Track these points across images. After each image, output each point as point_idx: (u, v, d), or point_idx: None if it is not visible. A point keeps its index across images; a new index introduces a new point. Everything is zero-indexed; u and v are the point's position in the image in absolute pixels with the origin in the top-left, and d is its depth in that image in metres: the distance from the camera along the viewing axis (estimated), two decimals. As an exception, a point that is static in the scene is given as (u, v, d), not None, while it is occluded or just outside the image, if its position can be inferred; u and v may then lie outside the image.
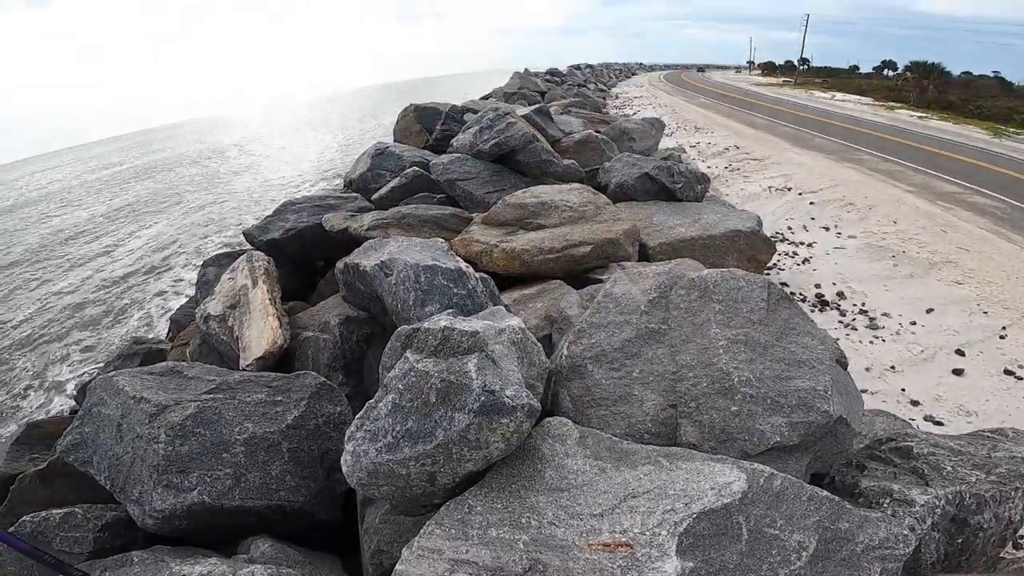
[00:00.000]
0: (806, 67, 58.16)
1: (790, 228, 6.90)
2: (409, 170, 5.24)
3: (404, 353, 1.86)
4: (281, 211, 4.95)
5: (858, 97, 30.85)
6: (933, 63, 31.18)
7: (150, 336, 7.38)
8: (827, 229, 6.81)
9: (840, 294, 5.37)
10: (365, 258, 3.21)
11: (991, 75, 43.16)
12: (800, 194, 8.08)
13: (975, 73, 44.30)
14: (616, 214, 4.14)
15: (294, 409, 2.57)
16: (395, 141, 7.38)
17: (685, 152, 10.66)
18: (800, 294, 5.32)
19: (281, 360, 3.58)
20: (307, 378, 2.82)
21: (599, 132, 8.27)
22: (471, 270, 2.76)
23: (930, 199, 7.97)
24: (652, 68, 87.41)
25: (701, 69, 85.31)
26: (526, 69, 20.07)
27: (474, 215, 4.38)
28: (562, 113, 10.28)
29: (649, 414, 2.21)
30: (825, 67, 62.64)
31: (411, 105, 7.45)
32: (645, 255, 4.48)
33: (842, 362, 2.28)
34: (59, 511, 2.27)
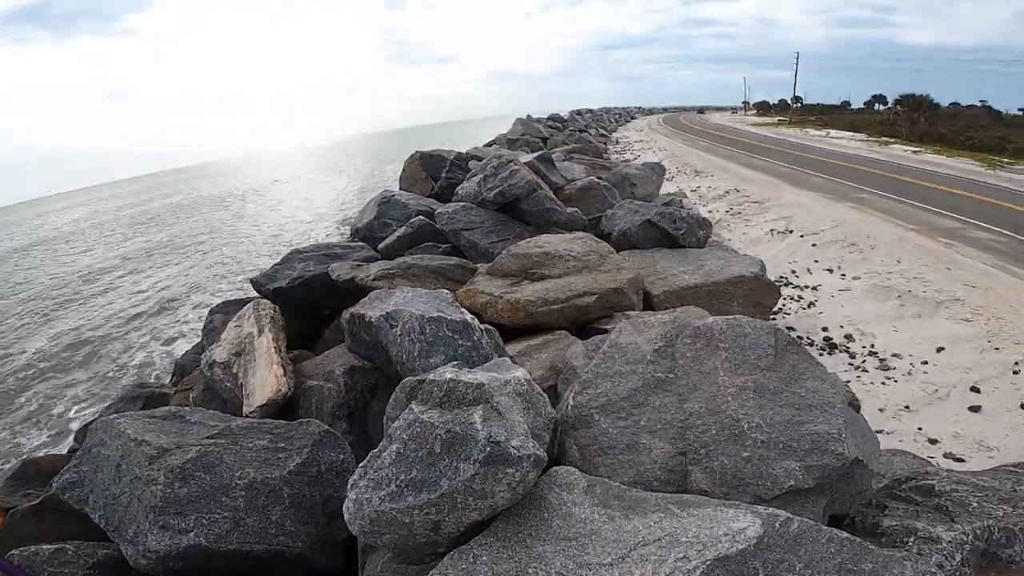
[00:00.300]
0: (799, 105, 59.70)
1: (794, 271, 6.93)
2: (415, 219, 5.36)
3: (409, 404, 1.86)
4: (288, 259, 5.05)
5: (852, 133, 31.49)
6: (922, 95, 31.75)
7: (153, 380, 7.38)
8: (831, 271, 6.83)
9: (848, 336, 5.33)
10: (371, 309, 3.25)
11: (979, 104, 43.95)
12: (802, 236, 8.15)
13: (963, 103, 45.12)
14: (619, 263, 4.20)
15: (296, 456, 2.58)
16: (401, 188, 7.59)
17: (686, 197, 10.85)
18: (808, 338, 5.29)
19: (285, 408, 3.59)
20: (310, 426, 2.84)
21: (601, 179, 8.47)
22: (476, 321, 2.78)
23: (932, 236, 8.02)
24: (651, 111, 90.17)
25: (701, 111, 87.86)
26: (528, 115, 20.77)
27: (479, 265, 4.45)
28: (564, 159, 10.56)
29: (658, 462, 2.18)
30: (818, 104, 64.21)
31: (416, 152, 7.69)
32: (650, 303, 4.50)
33: (854, 404, 2.25)
34: (49, 547, 2.25)
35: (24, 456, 5.87)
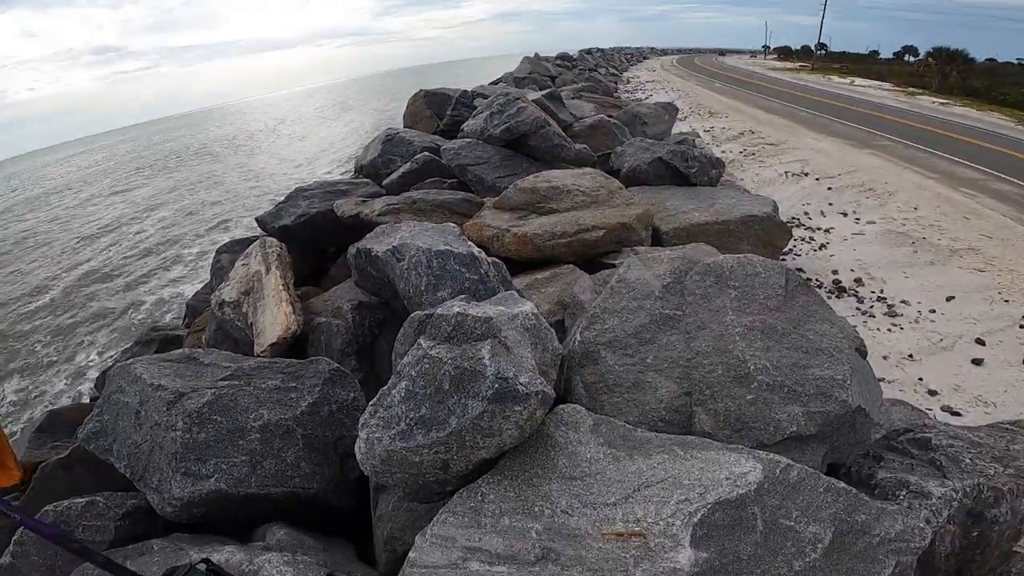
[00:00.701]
0: (824, 52, 56.60)
1: (807, 213, 6.77)
2: (420, 155, 5.20)
3: (417, 339, 1.84)
4: (293, 197, 4.95)
5: (878, 83, 30.00)
6: (956, 49, 30.22)
7: (165, 322, 7.49)
8: (845, 215, 6.66)
9: (858, 280, 5.27)
10: (377, 243, 3.19)
11: (1016, 62, 41.67)
12: (817, 179, 7.90)
13: (1000, 59, 42.80)
14: (629, 199, 4.08)
15: (308, 396, 2.58)
16: (405, 127, 7.32)
17: (699, 137, 10.46)
18: (817, 280, 5.23)
19: (295, 345, 3.60)
20: (320, 364, 2.84)
21: (611, 117, 8.15)
22: (483, 255, 2.73)
23: (953, 186, 7.76)
24: (665, 52, 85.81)
25: (722, 53, 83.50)
26: (536, 54, 19.78)
27: (486, 200, 4.34)
28: (573, 98, 10.14)
29: (663, 401, 2.19)
30: (843, 52, 60.89)
31: (420, 91, 7.37)
32: (659, 240, 4.42)
33: (861, 351, 2.23)
34: (81, 500, 2.31)
35: (48, 407, 6.05)
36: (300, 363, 2.85)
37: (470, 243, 2.89)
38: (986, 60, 39.51)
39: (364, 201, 4.36)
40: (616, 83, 23.84)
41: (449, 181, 4.89)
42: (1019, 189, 7.70)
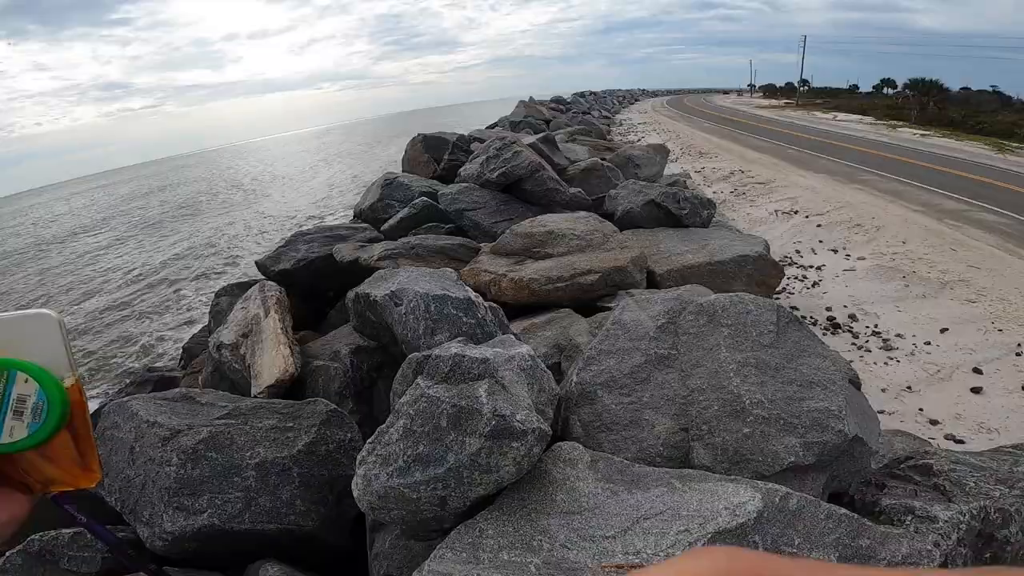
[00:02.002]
0: (806, 88, 58.82)
1: (798, 251, 6.91)
2: (418, 200, 5.35)
3: (415, 379, 1.88)
4: (292, 241, 5.06)
5: (860, 117, 31.04)
6: (932, 80, 31.46)
7: (161, 364, 7.47)
8: (835, 251, 6.80)
9: (852, 316, 5.33)
10: (376, 288, 3.26)
11: (989, 90, 43.26)
12: (807, 217, 8.10)
13: (973, 88, 44.44)
14: (623, 242, 4.19)
15: (305, 435, 2.63)
16: (404, 171, 7.55)
17: (690, 178, 10.76)
18: (811, 317, 5.30)
19: (292, 388, 3.63)
20: (318, 405, 2.88)
21: (604, 160, 8.42)
22: (480, 299, 2.80)
23: (938, 217, 7.95)
24: (655, 94, 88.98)
25: (727, 92, 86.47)
26: (531, 98, 20.53)
27: (482, 245, 4.45)
28: (568, 141, 10.48)
29: (660, 438, 2.22)
30: (825, 87, 63.28)
31: (419, 135, 7.64)
32: (654, 282, 4.51)
33: (855, 382, 2.27)
34: (68, 531, 2.29)
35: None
36: (298, 403, 2.90)
37: (467, 288, 2.96)
38: (961, 89, 40.98)
39: (363, 246, 4.47)
40: (609, 126, 24.63)
41: (447, 226, 5.01)
42: (1000, 218, 7.89)
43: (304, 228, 5.28)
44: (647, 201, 5.57)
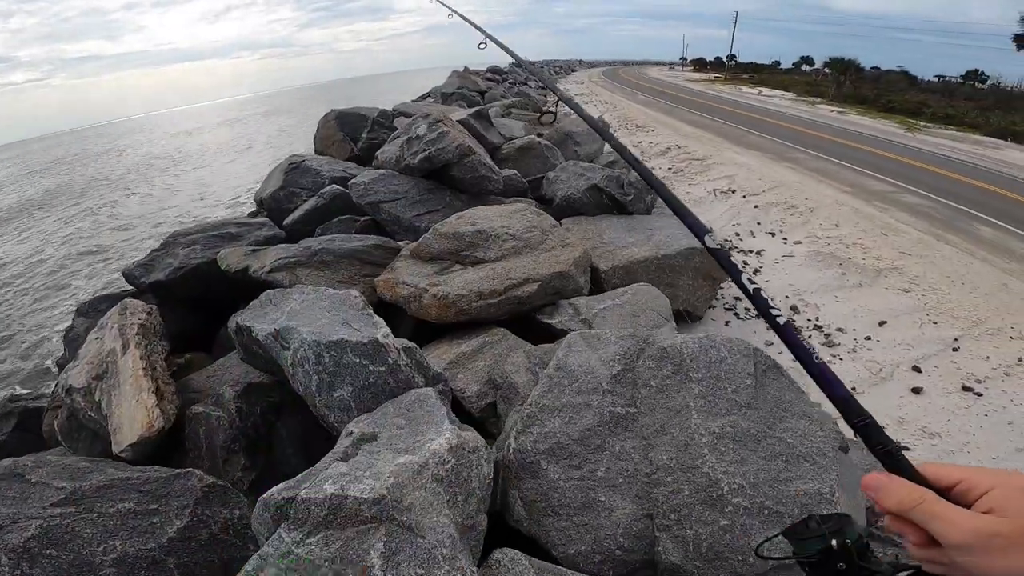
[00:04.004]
0: (734, 63, 60.63)
1: (738, 234, 6.73)
2: (327, 189, 4.54)
3: (277, 530, 1.27)
4: (170, 244, 4.14)
5: (782, 92, 32.26)
6: (849, 59, 33.13)
7: (27, 391, 6.24)
8: (773, 234, 6.68)
9: (794, 308, 5.18)
10: (259, 319, 2.56)
11: (897, 69, 46.44)
12: (744, 197, 7.97)
13: (883, 68, 47.53)
14: (564, 238, 3.67)
15: (176, 519, 2.04)
16: (316, 152, 6.60)
17: (629, 154, 10.41)
18: (755, 311, 5.09)
19: (169, 439, 2.92)
20: (190, 479, 2.23)
21: (541, 137, 7.83)
22: (390, 340, 2.18)
23: (866, 199, 8.08)
24: (592, 65, 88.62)
25: (660, 65, 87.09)
26: (465, 67, 19.38)
27: (402, 243, 3.78)
28: (502, 116, 9.78)
29: (620, 526, 1.76)
30: (751, 63, 65.56)
31: (332, 111, 6.65)
32: (597, 279, 4.06)
33: (844, 447, 1.92)
34: None
35: None
36: (163, 478, 2.24)
37: (376, 320, 2.33)
38: (871, 69, 43.66)
39: (255, 251, 3.67)
40: (546, 96, 23.87)
41: (362, 219, 4.27)
42: (925, 201, 8.15)
43: (185, 226, 4.34)
44: (589, 186, 5.08)
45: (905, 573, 0.57)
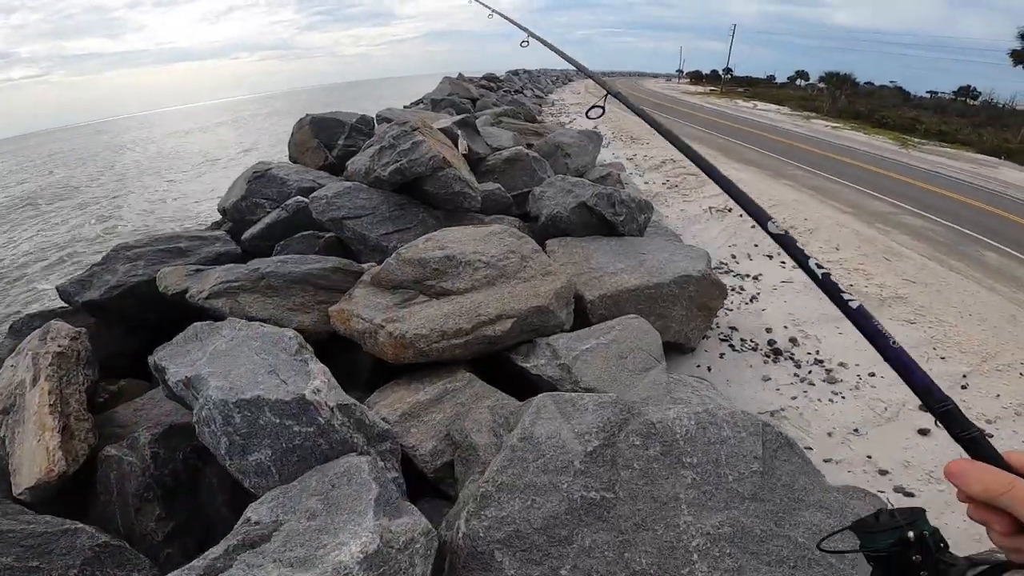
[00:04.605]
0: (730, 76, 61.06)
1: (734, 256, 6.41)
2: (291, 201, 4.16)
3: None
4: (111, 258, 3.73)
5: (777, 106, 32.32)
6: (844, 74, 33.31)
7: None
8: (771, 257, 6.37)
9: (793, 340, 4.84)
10: (178, 359, 2.18)
11: (890, 84, 46.93)
12: (741, 216, 7.66)
13: (876, 83, 48.02)
14: (546, 266, 3.32)
15: None
16: (291, 158, 6.22)
17: (623, 168, 10.12)
18: (751, 341, 4.75)
19: (82, 482, 2.57)
20: (79, 536, 1.93)
21: (531, 147, 7.51)
22: (322, 397, 1.81)
23: (867, 221, 7.81)
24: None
25: (656, 76, 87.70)
26: (460, 74, 19.08)
27: (366, 266, 3.41)
28: (492, 124, 9.45)
29: (589, 650, 1.39)
30: (746, 76, 66.13)
31: (307, 116, 6.26)
32: (582, 311, 3.70)
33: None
34: None
35: None
36: (48, 532, 1.95)
37: (310, 369, 1.95)
38: (865, 84, 44.03)
39: (199, 270, 3.28)
40: (541, 106, 23.67)
41: (326, 236, 3.90)
42: (926, 223, 7.89)
43: (131, 239, 3.94)
44: (577, 204, 4.73)
45: (982, 567, 0.53)
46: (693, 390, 3.89)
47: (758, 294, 5.54)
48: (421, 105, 13.33)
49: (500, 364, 2.89)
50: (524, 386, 2.78)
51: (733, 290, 5.59)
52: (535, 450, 1.66)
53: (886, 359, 0.67)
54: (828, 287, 0.75)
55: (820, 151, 14.60)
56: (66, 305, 3.79)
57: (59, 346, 2.91)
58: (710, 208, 8.02)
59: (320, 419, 1.79)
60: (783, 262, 6.27)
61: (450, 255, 2.96)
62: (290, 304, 3.09)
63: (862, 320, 0.71)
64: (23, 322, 4.05)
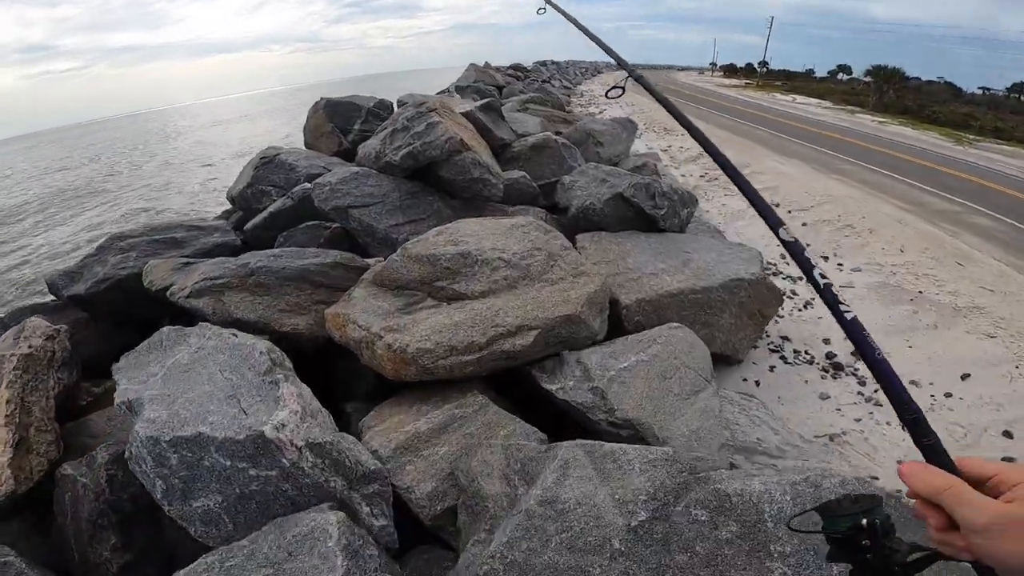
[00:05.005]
0: (766, 69, 58.96)
1: (783, 256, 5.79)
2: (298, 188, 3.81)
3: None
4: (105, 248, 3.44)
5: (818, 100, 30.87)
6: (893, 68, 31.62)
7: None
8: (826, 258, 5.74)
9: (856, 353, 4.26)
10: (134, 372, 1.83)
11: (938, 80, 44.45)
12: (790, 212, 7.02)
13: (923, 78, 45.58)
14: (577, 264, 2.86)
15: None
16: (306, 144, 5.89)
17: (659, 159, 9.53)
18: (807, 353, 4.19)
19: (46, 500, 2.28)
20: (7, 572, 1.61)
21: (560, 134, 7.01)
22: (287, 434, 1.41)
23: (931, 220, 7.06)
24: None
25: (687, 70, 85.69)
26: (486, 63, 18.63)
27: (371, 261, 3.01)
28: (518, 110, 8.97)
29: None
30: (783, 70, 63.82)
31: (322, 99, 5.91)
32: (616, 316, 3.22)
33: None
34: None
35: None
36: None
37: (281, 393, 1.56)
38: (912, 79, 41.84)
39: (188, 263, 2.94)
40: (569, 96, 23.02)
41: (332, 226, 3.52)
42: (998, 224, 7.09)
43: (127, 228, 3.64)
44: (612, 195, 4.23)
45: (920, 554, 0.60)
46: (742, 410, 3.38)
47: (813, 299, 4.94)
48: (446, 93, 12.95)
49: (520, 378, 2.46)
50: (548, 406, 2.34)
51: (784, 294, 5.01)
52: (560, 519, 1.22)
53: (869, 366, 0.74)
54: (827, 296, 0.81)
55: (870, 145, 13.62)
56: (50, 301, 3.53)
57: (30, 346, 2.60)
58: (754, 203, 7.38)
59: (284, 461, 1.39)
60: (840, 263, 5.64)
61: (465, 252, 2.54)
62: (282, 304, 2.72)
63: (854, 331, 0.77)
64: (11, 316, 3.81)
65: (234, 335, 1.96)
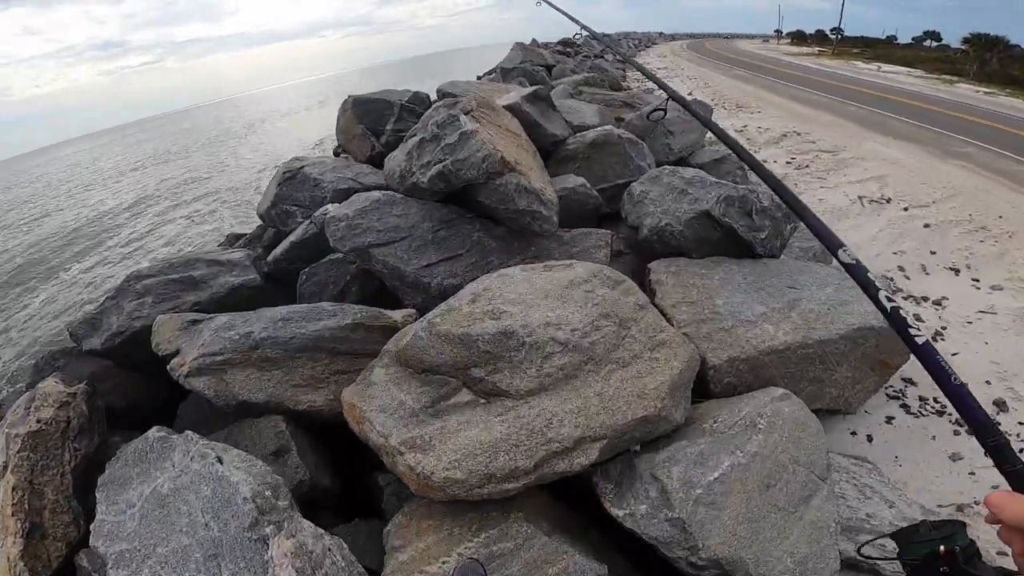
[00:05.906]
0: (840, 36, 53.52)
1: (902, 269, 4.77)
2: (319, 212, 3.32)
3: None
4: (122, 291, 3.09)
5: (908, 69, 27.50)
6: (996, 36, 27.93)
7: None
8: (957, 272, 4.67)
9: (1000, 403, 3.32)
10: (111, 493, 1.45)
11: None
12: (906, 209, 5.84)
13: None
14: (656, 329, 2.18)
15: None
16: (338, 148, 5.41)
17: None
18: (936, 401, 3.31)
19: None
20: None
21: (622, 121, 6.16)
22: None
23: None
24: (673, 37, 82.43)
25: (751, 38, 79.73)
26: (533, 40, 17.63)
27: (403, 313, 2.46)
28: (571, 94, 8.07)
29: None
30: (860, 37, 57.90)
31: (349, 98, 5.31)
32: (703, 378, 2.53)
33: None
34: None
35: None
36: None
37: (274, 556, 1.04)
38: (1015, 46, 36.67)
39: (195, 322, 2.51)
40: (624, 71, 21.54)
41: (356, 264, 2.99)
42: None
43: (145, 267, 3.27)
44: (697, 213, 3.37)
45: None
46: (849, 477, 2.64)
47: (944, 329, 3.98)
48: (491, 76, 12.18)
49: (569, 487, 1.85)
50: (610, 522, 1.73)
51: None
52: None
53: (946, 394, 0.73)
54: (896, 322, 0.81)
55: (987, 121, 11.59)
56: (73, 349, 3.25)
57: (38, 420, 2.26)
58: (859, 197, 6.22)
59: None
60: (975, 279, 4.56)
61: (508, 330, 1.91)
62: (295, 379, 2.24)
63: (927, 355, 0.76)
64: (46, 360, 3.57)
65: (218, 461, 1.47)
